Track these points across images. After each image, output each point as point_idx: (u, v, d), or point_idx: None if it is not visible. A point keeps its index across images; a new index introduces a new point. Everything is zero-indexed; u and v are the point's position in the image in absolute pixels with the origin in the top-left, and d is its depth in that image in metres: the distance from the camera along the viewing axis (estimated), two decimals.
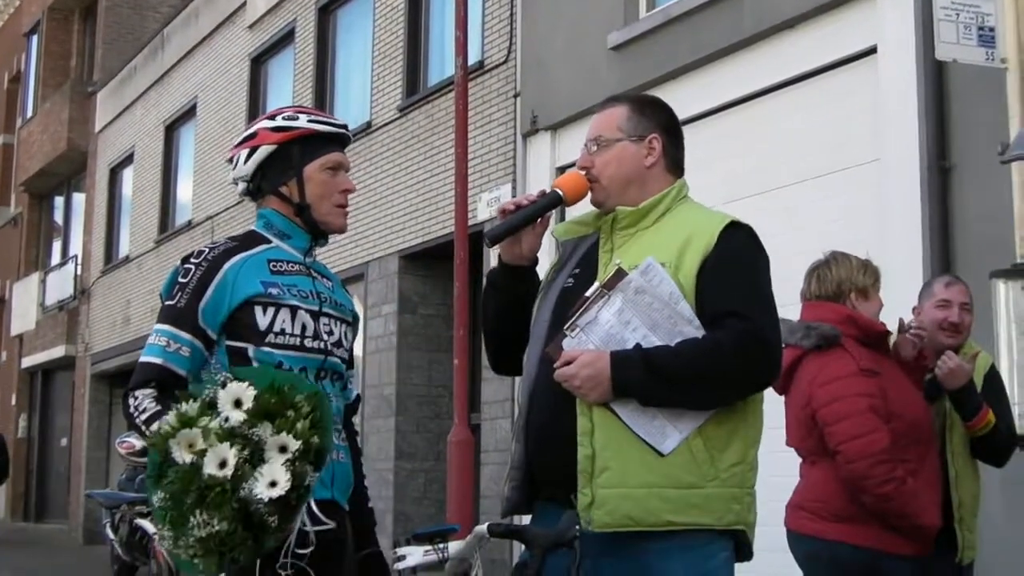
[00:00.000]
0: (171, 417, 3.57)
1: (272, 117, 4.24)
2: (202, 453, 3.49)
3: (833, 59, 10.76)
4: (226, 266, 4.03)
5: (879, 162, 10.15)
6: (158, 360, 3.96)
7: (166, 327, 3.99)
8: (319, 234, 4.25)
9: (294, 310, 4.05)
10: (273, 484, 3.48)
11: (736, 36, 11.66)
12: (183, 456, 3.50)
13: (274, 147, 4.16)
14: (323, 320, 4.14)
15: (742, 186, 11.38)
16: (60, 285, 31.54)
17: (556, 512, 3.92)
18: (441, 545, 3.68)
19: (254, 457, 3.51)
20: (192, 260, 4.07)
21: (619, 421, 3.86)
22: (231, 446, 3.49)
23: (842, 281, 5.85)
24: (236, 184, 4.29)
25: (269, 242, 4.19)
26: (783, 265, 9.99)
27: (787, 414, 5.82)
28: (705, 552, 3.90)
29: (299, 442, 3.53)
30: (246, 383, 3.59)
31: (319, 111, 4.41)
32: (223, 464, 3.47)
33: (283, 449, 3.52)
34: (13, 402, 34.69)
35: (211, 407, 3.56)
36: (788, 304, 8.98)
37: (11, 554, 23.08)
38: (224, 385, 3.60)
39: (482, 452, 14.35)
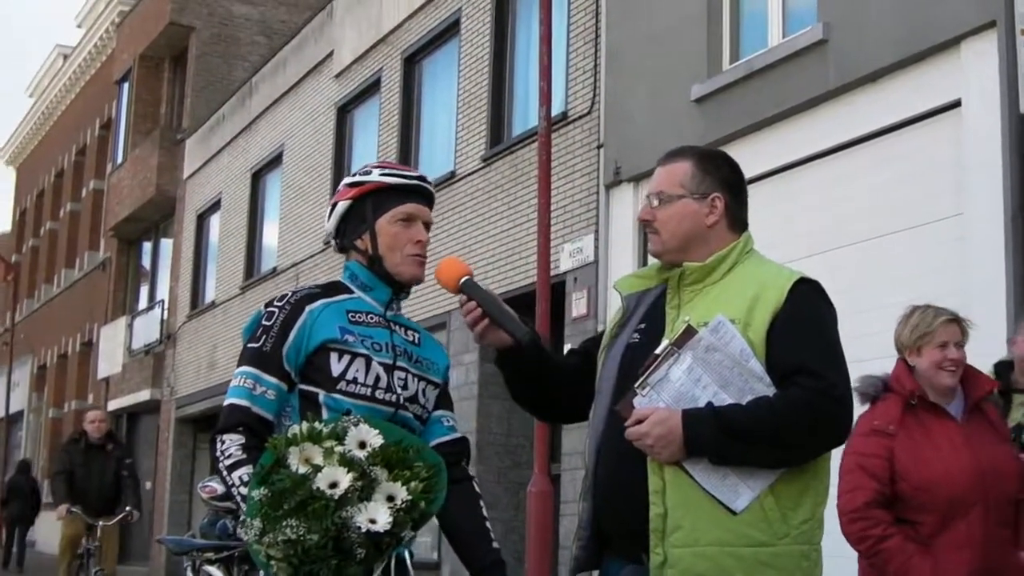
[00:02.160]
0: (299, 428, 3.64)
1: (353, 175, 4.31)
2: (317, 469, 3.54)
3: (917, 112, 10.70)
4: (308, 309, 4.08)
5: (962, 216, 10.07)
6: (245, 403, 3.99)
7: (251, 369, 4.02)
8: (398, 287, 4.27)
9: (368, 360, 4.07)
10: (373, 522, 3.51)
11: (820, 89, 11.64)
12: (298, 465, 3.56)
13: (349, 203, 4.22)
14: (397, 374, 4.15)
15: (824, 239, 11.33)
16: (147, 329, 31.81)
17: (626, 570, 3.92)
18: None
19: (363, 492, 3.55)
20: (276, 303, 4.13)
21: (690, 479, 3.85)
22: (347, 472, 3.54)
23: (896, 337, 5.97)
24: (328, 243, 4.38)
25: (351, 293, 4.24)
26: (863, 319, 10.00)
27: None
28: None
29: (408, 497, 3.57)
30: (376, 431, 3.65)
31: (398, 165, 4.45)
32: (334, 485, 3.52)
33: (390, 499, 3.56)
34: None
35: (338, 437, 3.62)
36: (867, 359, 8.91)
37: None
38: (356, 424, 3.66)
39: (562, 503, 14.31)
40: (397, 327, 4.28)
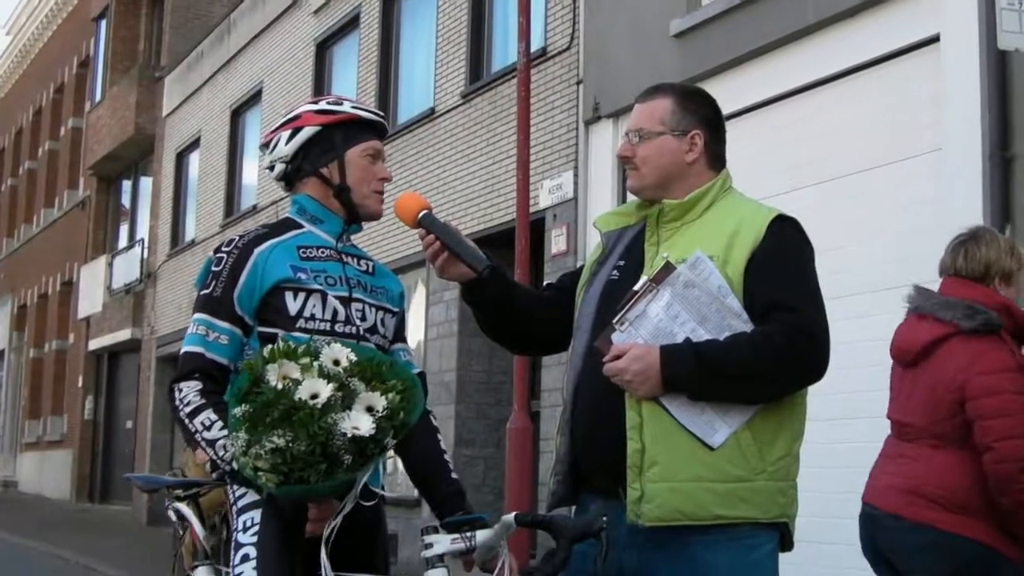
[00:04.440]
0: (276, 346, 3.70)
1: (315, 102, 4.32)
2: (296, 383, 3.59)
3: (895, 48, 10.68)
4: (256, 252, 4.09)
5: (941, 151, 10.08)
6: (199, 349, 4.02)
7: (204, 316, 4.05)
8: (354, 219, 4.29)
9: (324, 296, 4.09)
10: (356, 428, 3.57)
11: (798, 24, 11.61)
12: (277, 381, 3.60)
13: (318, 128, 4.22)
14: (355, 305, 4.17)
15: (803, 175, 11.34)
16: (127, 268, 31.74)
17: (601, 505, 3.94)
18: (469, 534, 3.68)
19: (344, 402, 3.61)
20: (224, 249, 4.14)
21: (668, 415, 3.87)
22: (327, 383, 3.59)
23: (991, 263, 5.54)
24: (272, 168, 4.33)
25: (301, 228, 4.24)
26: (842, 254, 10.02)
27: (909, 389, 5.55)
28: (751, 544, 3.91)
29: (387, 408, 3.62)
30: (348, 349, 3.71)
31: (358, 101, 4.46)
32: (315, 396, 3.57)
33: (370, 409, 3.61)
34: (80, 384, 34.99)
35: (314, 354, 3.67)
36: (845, 295, 8.96)
37: (75, 534, 23.31)
38: (329, 344, 3.72)
39: (541, 440, 14.35)
40: (349, 258, 4.28)
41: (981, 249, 5.58)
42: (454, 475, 4.30)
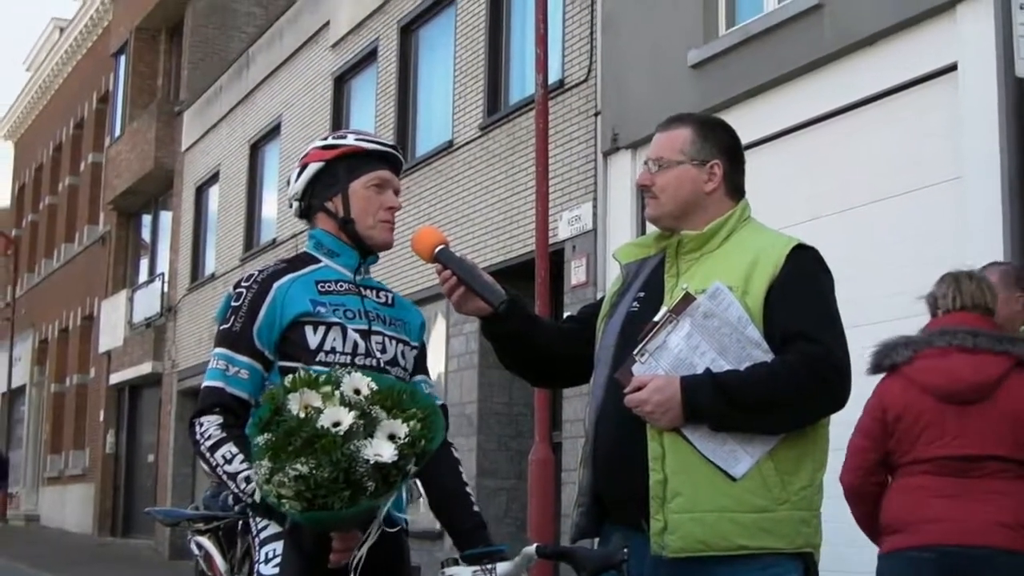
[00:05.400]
0: (296, 375, 3.71)
1: (325, 138, 4.35)
2: (318, 411, 3.60)
3: (913, 77, 10.67)
4: (275, 287, 4.11)
5: (960, 180, 10.07)
6: (219, 384, 4.04)
7: (224, 351, 4.07)
8: (366, 251, 4.30)
9: (343, 329, 4.10)
10: (379, 455, 3.58)
11: (816, 54, 11.62)
12: (299, 410, 3.62)
13: (322, 164, 4.25)
14: (375, 338, 4.18)
15: (822, 205, 11.34)
16: (147, 302, 31.79)
17: (622, 536, 3.94)
18: (489, 566, 3.69)
19: (366, 430, 3.62)
20: (243, 284, 4.17)
21: (690, 446, 3.88)
22: (348, 411, 3.61)
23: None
24: (291, 206, 4.38)
25: (319, 262, 4.26)
26: (861, 284, 10.00)
27: (976, 424, 5.55)
28: (775, 573, 3.91)
29: (409, 435, 3.63)
30: (368, 378, 3.72)
31: (369, 133, 4.48)
32: (337, 424, 3.58)
33: (392, 437, 3.62)
34: (101, 418, 35.02)
35: (335, 383, 3.68)
36: (864, 324, 8.94)
37: (97, 569, 23.33)
38: (349, 373, 3.74)
39: (563, 471, 14.35)
40: (367, 291, 4.30)
41: (986, 282, 5.83)
42: (476, 508, 4.29)
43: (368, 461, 3.56)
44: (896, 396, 5.68)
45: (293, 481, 3.55)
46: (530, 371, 4.63)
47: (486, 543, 4.11)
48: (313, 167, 4.26)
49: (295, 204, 4.35)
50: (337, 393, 3.65)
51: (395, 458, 3.59)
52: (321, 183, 4.26)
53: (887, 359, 5.80)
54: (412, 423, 3.66)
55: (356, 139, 4.29)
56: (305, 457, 3.54)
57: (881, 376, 5.83)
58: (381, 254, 4.38)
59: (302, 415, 3.60)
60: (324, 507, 3.59)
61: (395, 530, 3.97)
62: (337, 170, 4.25)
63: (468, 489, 4.36)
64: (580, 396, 13.58)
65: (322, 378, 3.69)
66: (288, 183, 4.37)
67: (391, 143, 4.42)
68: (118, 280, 35.00)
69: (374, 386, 3.71)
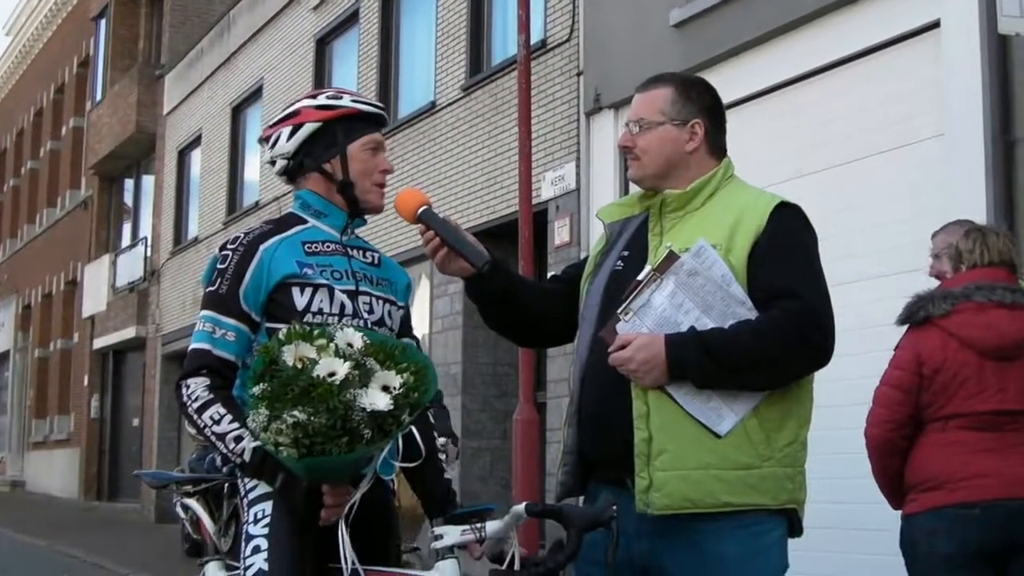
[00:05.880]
0: (290, 328, 3.73)
1: (314, 96, 4.30)
2: (312, 362, 3.62)
3: (895, 34, 10.66)
4: (261, 249, 4.09)
5: (943, 137, 10.07)
6: (206, 346, 4.03)
7: (210, 313, 4.05)
8: (357, 213, 4.30)
9: (331, 290, 4.10)
10: (374, 404, 3.60)
11: (798, 12, 11.60)
12: (293, 362, 3.63)
13: (318, 124, 4.21)
14: (362, 299, 4.18)
15: (805, 162, 11.34)
16: (130, 267, 31.75)
17: (610, 494, 3.95)
18: (479, 524, 3.70)
19: (360, 380, 3.64)
20: (229, 246, 4.14)
21: (674, 404, 3.88)
22: (343, 362, 3.62)
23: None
24: (273, 164, 4.34)
25: (305, 223, 4.25)
26: (845, 242, 10.02)
27: (1016, 378, 5.61)
28: (759, 531, 3.93)
29: (403, 386, 3.66)
30: (360, 333, 3.75)
31: (356, 92, 4.46)
32: (332, 374, 3.60)
33: (385, 388, 3.64)
34: (85, 383, 35.01)
35: (328, 337, 3.70)
36: (846, 281, 8.97)
37: (83, 533, 23.34)
38: (341, 328, 3.77)
39: (548, 431, 14.37)
40: (354, 251, 4.30)
41: (1010, 238, 5.87)
42: (447, 475, 4.35)
43: (364, 409, 3.58)
44: (935, 349, 5.67)
45: (291, 429, 3.57)
46: (515, 331, 4.64)
47: (454, 508, 4.15)
48: (309, 127, 4.22)
49: (281, 162, 4.30)
50: (332, 345, 3.67)
51: (391, 407, 3.61)
52: (318, 144, 4.23)
53: (922, 311, 5.76)
54: (406, 375, 3.68)
55: (352, 100, 4.27)
56: (302, 405, 3.55)
57: (904, 329, 5.85)
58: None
59: (298, 366, 3.61)
60: (322, 454, 3.60)
61: (388, 479, 4.00)
62: (334, 131, 4.23)
63: (440, 453, 4.40)
64: (564, 356, 13.59)
65: (316, 331, 3.71)
66: (268, 140, 4.32)
67: (380, 104, 4.41)
68: (101, 245, 34.93)
69: (367, 340, 3.73)
